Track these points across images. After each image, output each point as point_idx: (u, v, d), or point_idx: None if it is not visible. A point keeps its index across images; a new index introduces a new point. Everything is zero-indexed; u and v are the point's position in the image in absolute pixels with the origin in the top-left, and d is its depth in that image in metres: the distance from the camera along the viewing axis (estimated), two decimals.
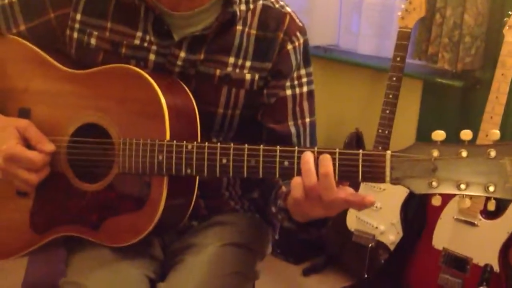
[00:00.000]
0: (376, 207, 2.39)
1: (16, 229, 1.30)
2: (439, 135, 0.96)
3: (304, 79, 1.31)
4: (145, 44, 1.25)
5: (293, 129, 1.30)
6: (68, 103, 1.26)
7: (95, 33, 1.27)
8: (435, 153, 0.96)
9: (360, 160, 1.00)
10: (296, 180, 1.02)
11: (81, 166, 1.24)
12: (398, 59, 2.30)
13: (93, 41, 1.27)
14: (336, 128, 2.84)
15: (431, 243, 2.16)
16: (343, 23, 2.88)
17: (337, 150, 1.01)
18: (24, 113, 1.28)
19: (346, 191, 1.01)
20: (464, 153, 0.94)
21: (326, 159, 0.99)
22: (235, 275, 1.26)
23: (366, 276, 2.36)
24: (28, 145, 1.22)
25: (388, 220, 2.36)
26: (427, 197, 2.10)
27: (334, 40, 2.90)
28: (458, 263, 2.10)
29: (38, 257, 1.54)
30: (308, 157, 1.01)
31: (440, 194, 0.96)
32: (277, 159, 1.06)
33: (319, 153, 1.02)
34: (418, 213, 2.23)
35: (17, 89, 1.30)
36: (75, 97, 1.25)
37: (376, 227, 2.38)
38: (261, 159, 1.07)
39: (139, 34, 1.25)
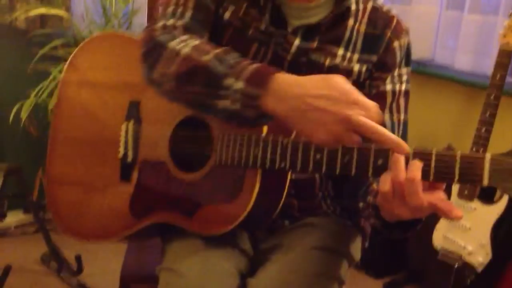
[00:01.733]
0: (465, 226, 2.33)
1: (116, 213, 1.37)
2: None
3: (404, 77, 1.35)
4: (270, 30, 1.31)
5: (388, 123, 1.32)
6: None
7: (232, 7, 1.32)
8: None
9: (458, 162, 0.98)
10: (385, 175, 1.02)
11: (181, 156, 1.30)
12: (498, 77, 2.24)
13: (227, 14, 1.33)
14: (427, 143, 2.79)
15: None
16: (440, 37, 2.83)
17: (434, 151, 1.00)
18: (133, 106, 1.36)
19: (436, 195, 0.99)
20: None
21: (415, 165, 0.99)
22: (323, 277, 1.27)
23: None
24: None
25: (477, 240, 2.29)
26: None
27: (430, 54, 2.86)
28: None
29: (135, 246, 1.62)
30: (399, 155, 1.00)
31: None
32: (371, 157, 1.06)
33: (414, 154, 1.01)
34: (510, 235, 2.15)
35: (128, 83, 1.38)
36: None
37: (464, 247, 2.32)
38: (355, 156, 1.07)
39: (265, 20, 1.31)
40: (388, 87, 1.33)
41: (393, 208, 1.02)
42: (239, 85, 1.08)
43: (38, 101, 2.65)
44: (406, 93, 1.35)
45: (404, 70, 1.35)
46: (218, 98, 1.11)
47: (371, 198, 1.19)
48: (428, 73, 2.78)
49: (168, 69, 1.17)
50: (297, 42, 1.30)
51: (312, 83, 1.04)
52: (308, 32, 1.30)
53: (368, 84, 1.33)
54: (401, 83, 1.34)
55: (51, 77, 2.63)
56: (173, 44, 1.19)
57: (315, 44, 1.30)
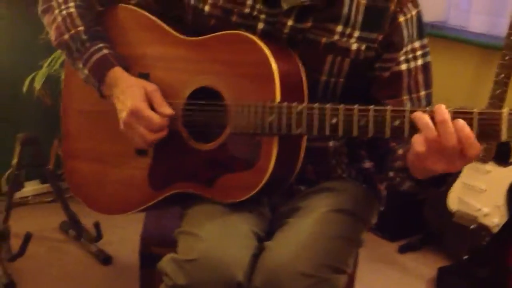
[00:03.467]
0: (481, 188, 2.33)
1: (135, 185, 1.39)
2: None
3: (419, 52, 1.30)
4: (255, 13, 1.29)
5: (408, 104, 1.29)
6: (184, 68, 1.32)
7: (210, 0, 1.32)
8: None
9: (475, 119, 1.00)
10: (417, 136, 1.03)
11: (196, 127, 1.31)
12: None
13: (207, 8, 1.32)
14: None
15: None
16: None
17: (450, 109, 1.02)
18: (143, 78, 1.35)
19: None
20: None
21: (440, 108, 1.01)
22: (340, 239, 1.28)
23: (466, 257, 2.31)
24: (151, 107, 1.29)
25: (493, 202, 2.29)
26: None
27: (443, 16, 2.82)
28: None
29: (154, 213, 1.63)
30: (420, 113, 1.03)
31: None
32: (387, 119, 1.07)
33: (431, 112, 1.03)
34: None
35: (136, 55, 1.39)
36: (190, 62, 1.32)
37: (480, 209, 2.32)
38: (371, 119, 1.09)
39: (249, 2, 1.29)
40: (403, 66, 1.29)
41: (429, 165, 1.04)
42: (85, 72, 1.36)
43: (50, 72, 2.65)
44: (424, 67, 1.31)
45: (417, 44, 1.30)
46: (77, 69, 1.38)
47: (400, 163, 1.20)
48: (441, 36, 2.74)
49: (50, 31, 1.42)
50: (290, 23, 1.27)
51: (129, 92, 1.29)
52: (302, 12, 1.26)
53: (378, 67, 1.29)
54: (415, 59, 1.29)
55: None
56: (55, 5, 1.40)
57: (309, 24, 1.27)
